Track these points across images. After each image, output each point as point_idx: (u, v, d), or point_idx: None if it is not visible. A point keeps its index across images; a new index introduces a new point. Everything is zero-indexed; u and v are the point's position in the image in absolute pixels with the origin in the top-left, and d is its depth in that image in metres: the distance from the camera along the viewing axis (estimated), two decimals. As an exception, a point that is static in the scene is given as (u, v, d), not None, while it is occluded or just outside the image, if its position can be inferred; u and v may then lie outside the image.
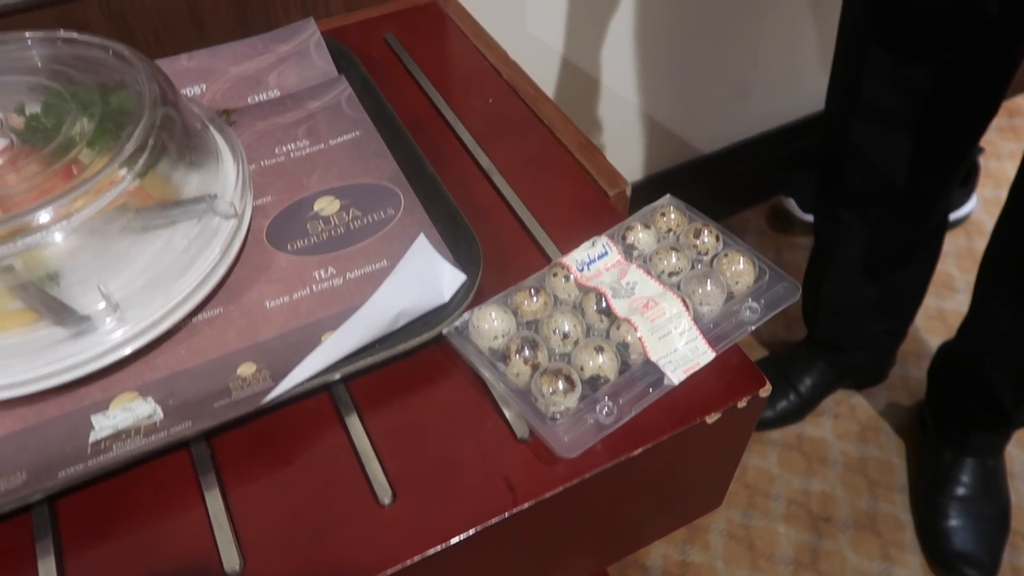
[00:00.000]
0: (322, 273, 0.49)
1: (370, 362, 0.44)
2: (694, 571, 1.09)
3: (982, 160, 1.61)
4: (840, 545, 1.11)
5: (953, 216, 1.52)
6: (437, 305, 0.47)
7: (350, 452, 0.42)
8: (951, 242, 1.51)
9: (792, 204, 1.50)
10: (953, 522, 1.09)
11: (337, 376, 0.44)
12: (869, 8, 0.83)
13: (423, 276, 0.47)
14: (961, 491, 1.10)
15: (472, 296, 0.47)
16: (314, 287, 0.49)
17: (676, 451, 0.45)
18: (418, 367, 0.46)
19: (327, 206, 0.53)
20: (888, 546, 1.11)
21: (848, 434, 1.23)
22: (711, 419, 0.44)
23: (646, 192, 1.38)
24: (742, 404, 0.45)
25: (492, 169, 0.58)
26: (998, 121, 1.75)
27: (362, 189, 0.55)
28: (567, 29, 1.07)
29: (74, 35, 0.50)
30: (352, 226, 0.52)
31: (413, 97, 0.64)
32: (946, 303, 1.40)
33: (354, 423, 0.43)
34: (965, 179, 1.52)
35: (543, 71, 1.10)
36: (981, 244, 0.97)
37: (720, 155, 1.44)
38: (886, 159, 0.91)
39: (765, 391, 0.46)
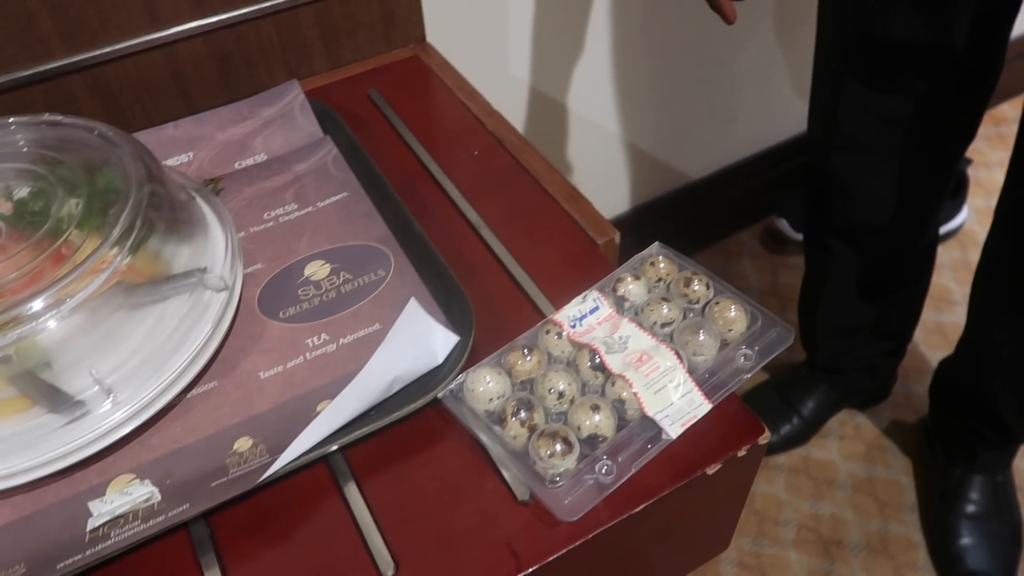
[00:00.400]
0: (315, 340, 0.49)
1: (367, 431, 0.44)
2: (708, 604, 1.08)
3: (971, 170, 1.61)
4: (853, 569, 1.10)
5: (946, 228, 1.52)
6: (431, 368, 0.47)
7: (350, 525, 0.42)
8: (946, 254, 1.51)
9: (784, 225, 1.50)
10: (965, 540, 1.08)
11: (334, 447, 0.43)
12: (841, 42, 0.84)
13: (416, 340, 0.47)
14: (971, 509, 1.09)
15: (466, 357, 0.47)
16: (307, 355, 0.49)
17: (678, 504, 0.45)
18: (415, 432, 0.46)
19: (317, 270, 0.54)
20: (902, 568, 1.10)
21: (854, 455, 1.22)
22: (712, 470, 0.44)
23: (639, 220, 1.39)
24: (742, 453, 0.45)
25: (480, 224, 0.58)
26: (986, 130, 1.76)
27: (352, 251, 0.55)
28: (551, 69, 1.08)
29: (58, 118, 0.51)
30: (343, 290, 0.52)
31: (399, 154, 0.65)
32: (944, 316, 1.40)
33: (353, 494, 0.43)
34: (955, 192, 1.52)
35: (529, 112, 1.11)
36: (976, 255, 0.97)
37: (710, 180, 1.44)
38: (870, 189, 0.91)
39: (764, 439, 0.45)
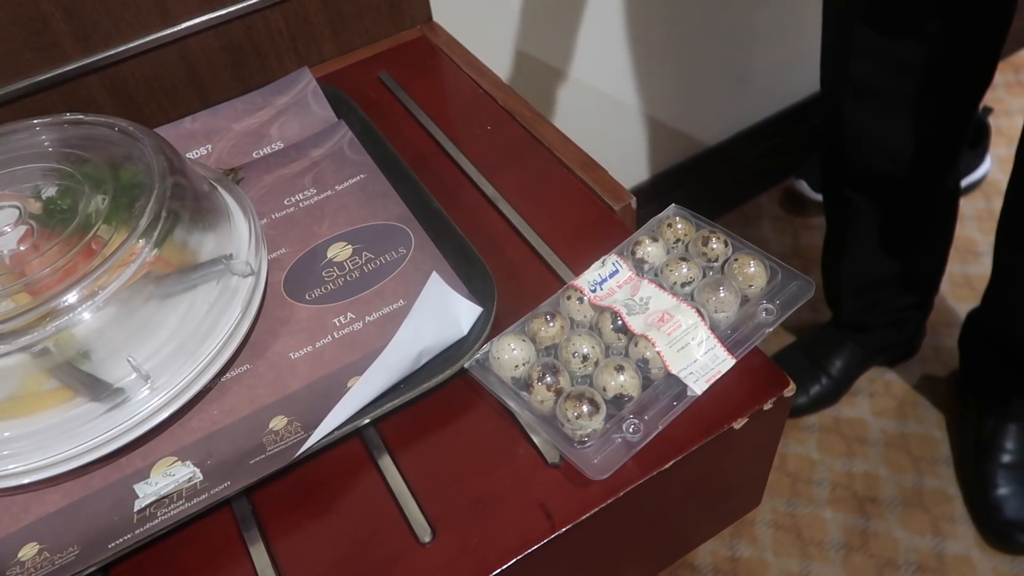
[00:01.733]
0: (342, 319, 0.50)
1: (397, 403, 0.45)
2: (744, 566, 1.08)
3: (992, 119, 1.59)
4: (889, 525, 1.10)
5: (969, 179, 1.50)
6: (456, 340, 0.48)
7: (387, 494, 0.43)
8: (970, 205, 1.49)
9: (803, 186, 1.49)
10: (1002, 491, 1.07)
11: (366, 420, 0.44)
12: None
13: (440, 313, 0.47)
14: (1007, 458, 1.08)
15: (490, 327, 0.48)
16: (335, 334, 0.50)
17: (708, 459, 0.45)
18: (444, 402, 0.47)
19: (340, 252, 0.55)
20: (938, 520, 1.10)
21: (886, 411, 1.22)
22: (738, 424, 0.45)
23: (658, 189, 1.38)
24: (768, 406, 0.45)
25: (497, 197, 0.59)
26: (1006, 77, 1.73)
27: (372, 231, 0.56)
28: (559, 43, 1.08)
29: (80, 116, 0.52)
30: (366, 269, 0.53)
31: (413, 133, 0.65)
32: (971, 268, 1.38)
33: (387, 465, 0.44)
34: (976, 141, 1.50)
35: (541, 87, 1.11)
36: (1001, 205, 0.96)
37: (726, 145, 1.44)
38: (886, 138, 0.90)
39: (789, 391, 0.46)
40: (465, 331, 0.48)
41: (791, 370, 1.31)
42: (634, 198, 0.58)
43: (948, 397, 1.22)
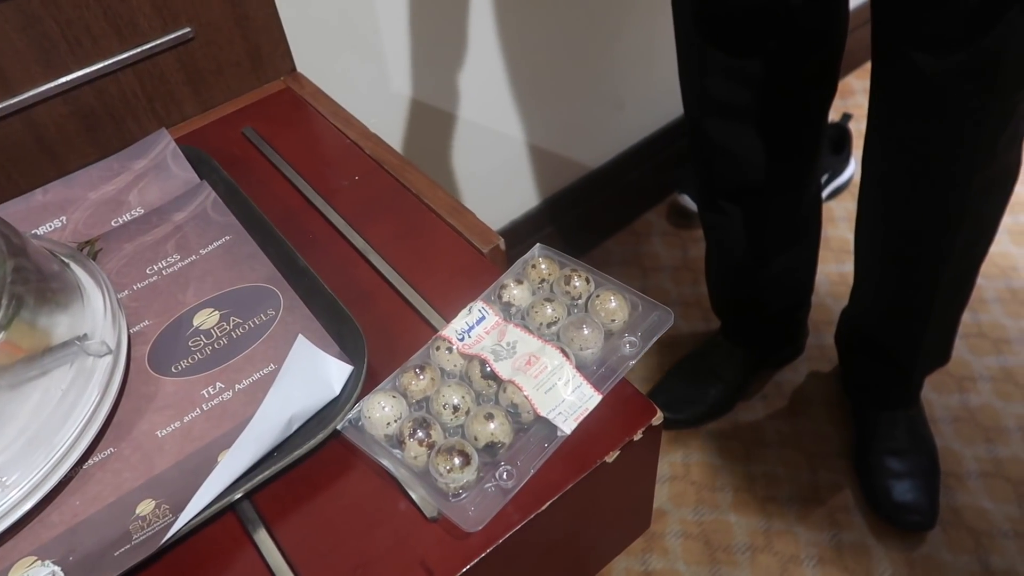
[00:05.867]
0: (211, 390, 0.49)
1: (270, 473, 0.44)
2: (659, 578, 1.11)
3: (853, 124, 1.69)
4: (790, 522, 1.14)
5: (836, 183, 1.60)
6: (329, 401, 0.47)
7: (265, 571, 0.42)
8: (841, 207, 1.58)
9: (687, 199, 1.55)
10: (889, 476, 1.14)
11: (239, 494, 0.43)
12: (695, 13, 0.87)
13: (309, 376, 0.47)
14: (889, 445, 1.15)
15: (361, 385, 0.47)
16: (204, 406, 0.48)
17: (585, 495, 0.46)
18: (321, 466, 0.46)
19: (207, 319, 0.53)
20: (835, 512, 1.15)
21: (779, 412, 1.27)
22: (611, 458, 0.46)
23: (550, 213, 1.41)
24: (638, 436, 0.47)
25: (368, 249, 0.59)
26: (864, 83, 1.84)
27: (240, 295, 0.55)
28: (433, 81, 1.09)
29: (-90, 204, 0.49)
30: (234, 335, 0.52)
31: (280, 189, 0.65)
32: (846, 267, 1.46)
33: (263, 539, 0.43)
34: (839, 147, 1.60)
35: (419, 127, 1.12)
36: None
37: (610, 166, 1.48)
38: (744, 151, 0.95)
39: (657, 420, 0.47)
40: (337, 391, 0.48)
41: (689, 379, 1.35)
42: (501, 239, 0.59)
43: (835, 392, 1.28)
